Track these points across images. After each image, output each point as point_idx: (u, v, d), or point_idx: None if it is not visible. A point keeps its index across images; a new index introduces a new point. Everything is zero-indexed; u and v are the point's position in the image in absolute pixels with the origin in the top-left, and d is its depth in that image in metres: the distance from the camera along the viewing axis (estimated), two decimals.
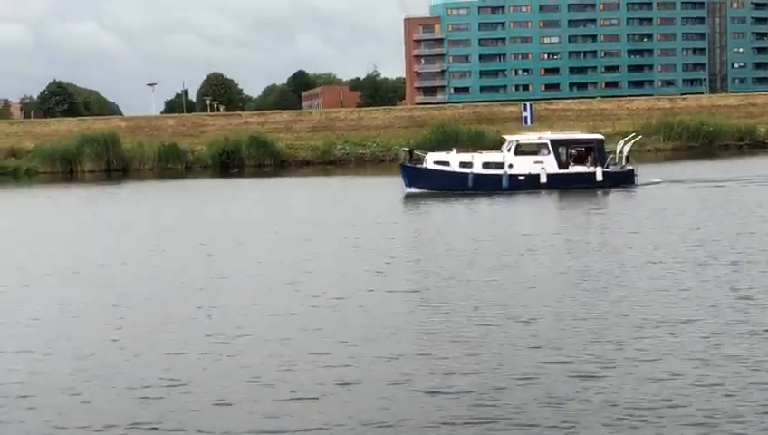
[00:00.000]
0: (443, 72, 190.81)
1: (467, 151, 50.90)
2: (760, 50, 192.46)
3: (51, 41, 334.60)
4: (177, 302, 20.54)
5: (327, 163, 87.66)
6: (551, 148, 48.37)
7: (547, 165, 47.86)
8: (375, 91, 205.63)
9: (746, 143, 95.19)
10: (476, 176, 47.79)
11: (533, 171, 47.71)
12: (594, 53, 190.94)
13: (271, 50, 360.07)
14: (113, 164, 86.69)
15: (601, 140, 50.23)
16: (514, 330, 16.72)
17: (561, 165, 48.23)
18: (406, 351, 15.56)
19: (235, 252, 28.91)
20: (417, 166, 49.55)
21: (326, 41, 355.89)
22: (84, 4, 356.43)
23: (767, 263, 23.03)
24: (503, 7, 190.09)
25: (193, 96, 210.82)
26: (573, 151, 49.49)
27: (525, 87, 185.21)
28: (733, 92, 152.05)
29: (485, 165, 48.31)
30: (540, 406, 12.67)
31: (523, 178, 47.61)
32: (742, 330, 16.24)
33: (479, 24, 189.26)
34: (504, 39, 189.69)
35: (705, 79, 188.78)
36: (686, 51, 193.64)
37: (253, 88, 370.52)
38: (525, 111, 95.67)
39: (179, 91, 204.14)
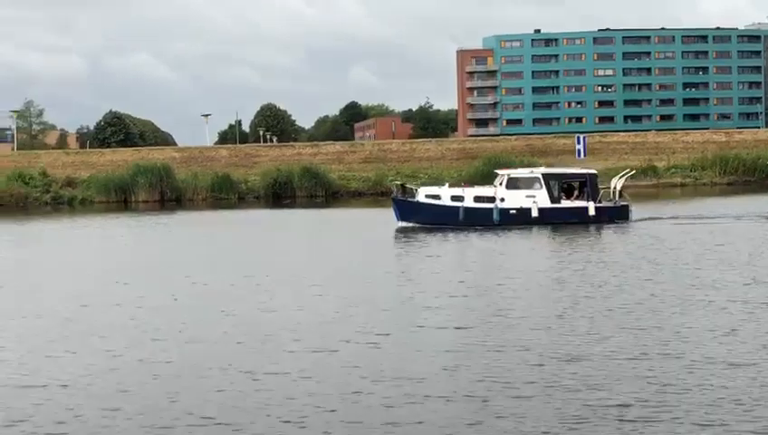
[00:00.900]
0: (495, 104, 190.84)
1: (459, 186, 50.88)
2: None
3: (107, 72, 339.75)
4: (221, 329, 20.35)
5: (379, 194, 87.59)
6: (543, 182, 48.04)
7: (539, 199, 47.49)
8: (427, 123, 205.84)
9: None
10: (467, 209, 47.45)
11: (525, 205, 47.32)
12: (649, 85, 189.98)
13: (324, 81, 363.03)
14: (167, 194, 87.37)
15: (594, 175, 49.83)
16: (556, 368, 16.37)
17: (554, 199, 47.86)
18: (455, 391, 15.23)
19: (282, 284, 28.74)
20: (409, 199, 49.33)
21: (379, 73, 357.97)
22: (140, 36, 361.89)
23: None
24: (556, 40, 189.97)
25: (246, 127, 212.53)
26: (564, 185, 49.27)
27: (579, 119, 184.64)
28: None
29: (477, 199, 48.02)
30: None
31: (514, 211, 47.28)
32: None
33: (532, 56, 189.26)
34: (557, 71, 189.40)
35: (761, 113, 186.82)
36: (742, 84, 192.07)
37: (305, 119, 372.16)
38: (579, 143, 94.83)
39: (233, 122, 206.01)
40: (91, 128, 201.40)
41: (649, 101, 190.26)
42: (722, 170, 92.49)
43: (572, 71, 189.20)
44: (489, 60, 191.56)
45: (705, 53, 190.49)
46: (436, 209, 47.86)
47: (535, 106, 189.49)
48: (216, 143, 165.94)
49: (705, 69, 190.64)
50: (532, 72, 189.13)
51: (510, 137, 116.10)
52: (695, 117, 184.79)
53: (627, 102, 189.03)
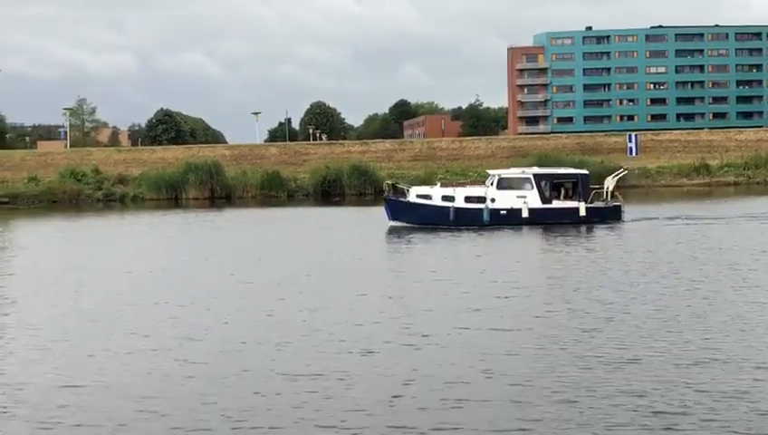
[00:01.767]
0: (546, 101, 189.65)
1: (451, 185, 50.57)
2: None
3: (159, 70, 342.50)
4: (260, 326, 20.27)
5: None
6: (534, 182, 47.75)
7: (530, 200, 47.23)
8: (477, 121, 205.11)
9: None
10: (458, 210, 47.36)
11: (515, 206, 47.12)
12: (702, 83, 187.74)
13: (373, 79, 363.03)
14: (217, 192, 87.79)
15: (586, 176, 49.49)
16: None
17: (545, 200, 47.55)
18: (496, 394, 14.99)
19: (324, 283, 28.66)
20: (401, 199, 49.31)
21: (428, 70, 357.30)
22: (191, 34, 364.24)
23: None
24: (608, 37, 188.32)
25: (296, 125, 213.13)
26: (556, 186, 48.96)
27: (630, 117, 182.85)
28: None
29: (467, 199, 47.85)
30: None
31: (504, 212, 47.12)
32: None
33: (583, 53, 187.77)
34: (609, 69, 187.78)
35: None
36: None
37: (355, 117, 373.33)
38: (630, 141, 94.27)
39: (283, 120, 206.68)
40: (143, 125, 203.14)
41: (702, 98, 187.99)
42: None
43: (624, 68, 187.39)
44: (540, 57, 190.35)
45: (759, 50, 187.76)
46: (427, 209, 47.90)
47: (586, 104, 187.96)
48: (265, 141, 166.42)
49: (758, 66, 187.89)
50: (584, 69, 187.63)
51: (560, 135, 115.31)
52: (748, 115, 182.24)
53: (679, 100, 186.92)
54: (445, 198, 47.83)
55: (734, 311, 21.35)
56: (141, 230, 55.03)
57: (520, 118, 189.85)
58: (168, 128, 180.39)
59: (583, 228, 45.15)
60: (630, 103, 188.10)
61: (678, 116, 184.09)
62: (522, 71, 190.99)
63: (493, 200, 47.20)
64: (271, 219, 50.36)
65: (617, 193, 49.42)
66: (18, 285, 29.22)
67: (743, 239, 37.88)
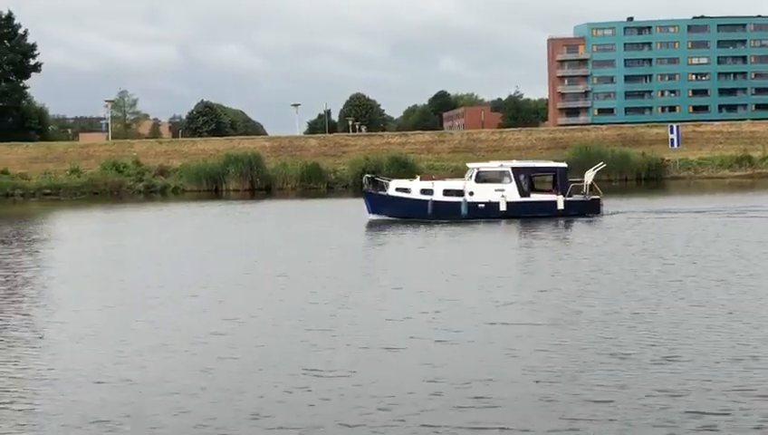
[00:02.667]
0: (587, 93, 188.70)
1: (430, 178, 50.32)
2: None
3: (199, 62, 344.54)
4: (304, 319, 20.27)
5: None
6: (512, 175, 47.50)
7: (508, 193, 47.00)
8: (517, 112, 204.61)
9: None
10: (436, 203, 47.20)
11: (493, 199, 46.90)
12: (744, 74, 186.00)
13: (413, 71, 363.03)
14: (257, 183, 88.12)
15: (564, 169, 49.11)
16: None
17: (523, 193, 47.35)
18: (529, 393, 14.85)
19: (358, 277, 28.63)
20: (380, 193, 49.11)
21: (468, 62, 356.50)
22: (231, 26, 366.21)
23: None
24: (649, 27, 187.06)
25: (335, 117, 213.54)
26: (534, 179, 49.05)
27: (672, 108, 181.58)
28: None
29: (446, 192, 47.66)
30: None
31: (482, 205, 46.93)
32: None
33: (625, 44, 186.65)
34: (650, 60, 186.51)
35: None
36: None
37: (394, 109, 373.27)
38: (672, 133, 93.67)
39: (322, 112, 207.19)
40: (184, 117, 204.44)
41: (745, 89, 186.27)
42: None
43: (666, 59, 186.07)
44: (580, 48, 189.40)
45: None
46: (406, 203, 47.73)
47: (627, 95, 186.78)
48: (305, 133, 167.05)
49: None
50: (625, 60, 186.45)
51: (601, 126, 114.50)
52: None
53: (721, 91, 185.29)
54: (423, 191, 47.76)
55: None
56: (178, 221, 55.22)
57: (560, 109, 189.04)
58: (209, 120, 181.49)
59: (561, 222, 44.99)
60: (672, 94, 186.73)
61: (720, 107, 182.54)
62: (562, 62, 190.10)
63: (471, 193, 47.09)
64: (308, 210, 50.57)
65: (596, 186, 49.03)
66: (55, 277, 29.37)
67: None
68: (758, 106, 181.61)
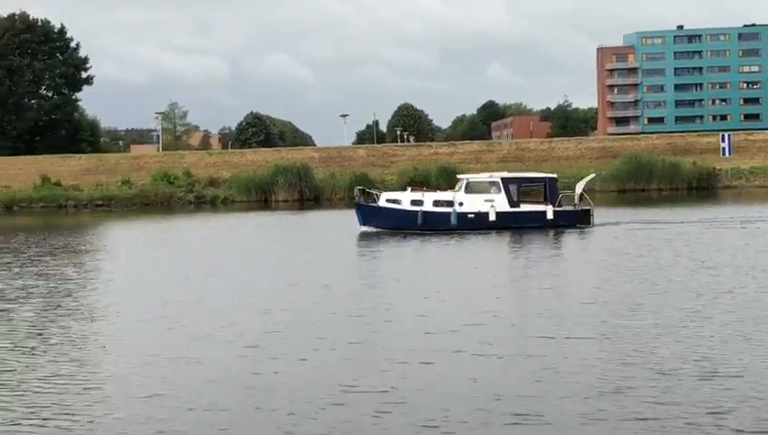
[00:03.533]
0: (636, 101, 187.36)
1: (420, 190, 50.42)
2: None
3: (248, 74, 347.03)
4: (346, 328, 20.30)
5: None
6: (501, 186, 47.54)
7: (497, 203, 46.94)
8: (566, 122, 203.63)
9: None
10: (426, 214, 47.17)
11: (483, 209, 46.85)
12: None
13: (460, 81, 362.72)
14: (306, 194, 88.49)
15: (554, 179, 49.17)
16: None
17: (513, 204, 47.31)
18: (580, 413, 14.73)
19: (398, 289, 28.60)
20: (371, 204, 49.24)
21: (516, 71, 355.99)
22: (279, 38, 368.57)
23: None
24: (699, 36, 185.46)
25: (384, 127, 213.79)
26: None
27: (723, 117, 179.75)
28: None
29: (436, 203, 47.72)
30: None
31: (472, 216, 46.87)
32: None
33: (675, 52, 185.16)
34: (700, 68, 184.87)
35: None
36: None
37: (442, 119, 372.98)
38: (723, 141, 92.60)
39: (370, 123, 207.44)
40: (233, 129, 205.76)
41: None
42: None
43: (716, 67, 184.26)
44: (630, 57, 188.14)
45: None
46: (396, 214, 47.82)
47: (678, 104, 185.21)
48: (353, 143, 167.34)
49: None
50: (675, 69, 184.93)
51: (651, 135, 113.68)
52: None
53: None
54: (414, 202, 47.89)
55: None
56: (225, 231, 55.61)
57: (610, 118, 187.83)
58: (258, 131, 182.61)
59: (551, 233, 44.84)
60: (723, 103, 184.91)
61: None
62: (611, 71, 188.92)
63: (461, 204, 47.13)
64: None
65: (586, 197, 49.00)
66: (100, 288, 29.59)
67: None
68: None
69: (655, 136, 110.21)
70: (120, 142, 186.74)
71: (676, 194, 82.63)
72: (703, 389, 14.83)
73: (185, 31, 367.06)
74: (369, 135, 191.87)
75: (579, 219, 47.37)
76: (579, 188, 48.66)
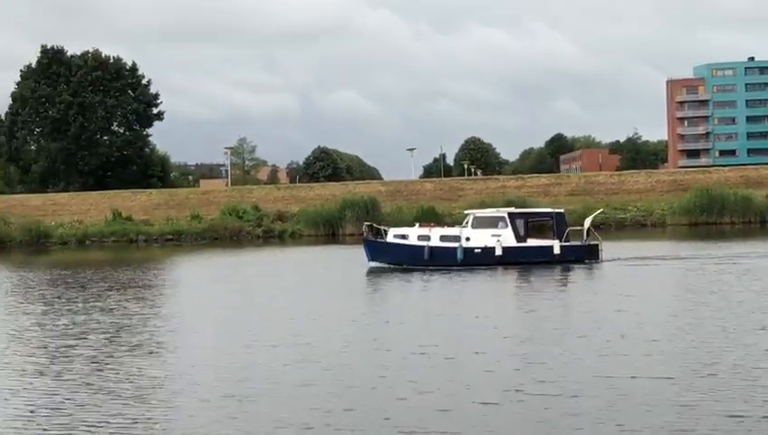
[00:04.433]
0: (707, 134, 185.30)
1: (428, 226, 50.29)
2: None
3: (315, 109, 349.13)
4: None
5: None
6: (508, 221, 47.11)
7: (504, 238, 46.41)
8: (636, 154, 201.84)
9: None
10: (432, 249, 46.79)
11: (489, 244, 46.33)
12: None
13: (528, 114, 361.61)
14: None
15: (561, 214, 48.62)
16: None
17: (519, 238, 46.80)
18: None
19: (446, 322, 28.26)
20: (379, 240, 49.08)
21: (584, 104, 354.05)
22: (345, 73, 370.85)
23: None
24: None
25: (451, 160, 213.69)
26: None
27: None
28: None
29: (443, 238, 47.38)
30: None
31: (478, 251, 46.41)
32: None
33: (746, 84, 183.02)
34: None
35: None
36: None
37: (510, 152, 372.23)
38: None
39: (437, 156, 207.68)
40: (301, 163, 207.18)
41: None
42: None
43: None
44: (700, 89, 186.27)
45: None
46: (404, 249, 47.59)
47: (750, 136, 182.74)
48: (420, 177, 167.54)
49: None
50: (746, 100, 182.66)
51: (723, 168, 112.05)
52: None
53: None
54: (420, 237, 47.68)
55: None
56: (293, 266, 55.76)
57: (680, 151, 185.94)
58: (325, 165, 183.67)
59: (557, 268, 44.24)
60: None
61: None
62: (681, 103, 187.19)
63: (468, 239, 46.79)
64: None
65: (593, 232, 48.41)
66: (166, 323, 29.73)
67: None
68: None
69: (727, 169, 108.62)
70: (190, 177, 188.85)
71: (749, 227, 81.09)
72: None
73: (254, 67, 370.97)
74: (437, 169, 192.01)
75: (587, 254, 46.92)
76: (587, 223, 48.33)
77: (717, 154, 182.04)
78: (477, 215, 49.22)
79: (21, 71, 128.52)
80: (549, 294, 34.63)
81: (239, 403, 17.13)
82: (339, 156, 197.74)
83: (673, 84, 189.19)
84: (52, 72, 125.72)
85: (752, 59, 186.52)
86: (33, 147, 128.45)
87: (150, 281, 45.71)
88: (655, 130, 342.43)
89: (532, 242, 47.12)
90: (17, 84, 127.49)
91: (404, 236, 48.44)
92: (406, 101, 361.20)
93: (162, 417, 16.44)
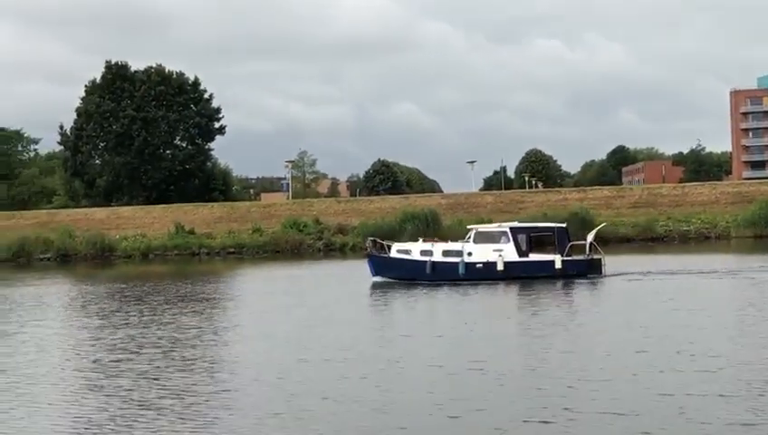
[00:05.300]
0: None
1: (432, 241, 50.24)
2: None
3: (374, 122, 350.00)
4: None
5: (649, 240, 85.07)
6: (510, 236, 46.94)
7: (506, 253, 46.31)
8: (699, 166, 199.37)
9: None
10: (435, 264, 46.98)
11: (491, 259, 46.28)
12: None
13: (589, 125, 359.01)
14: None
15: (563, 229, 48.28)
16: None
17: (521, 253, 46.65)
18: None
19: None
20: (382, 255, 49.27)
21: (646, 115, 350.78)
22: (403, 86, 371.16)
23: None
24: None
25: (511, 173, 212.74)
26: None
27: None
28: None
29: (445, 253, 47.42)
30: None
31: (480, 265, 46.36)
32: None
33: None
34: None
35: None
36: None
37: (571, 164, 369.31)
38: None
39: (498, 169, 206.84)
40: (361, 176, 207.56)
41: None
42: None
43: None
44: (765, 100, 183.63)
45: None
46: (407, 264, 47.86)
47: None
48: (481, 189, 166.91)
49: None
50: None
51: None
52: None
53: None
54: (423, 252, 47.86)
55: None
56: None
57: (745, 162, 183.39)
58: (385, 178, 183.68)
59: (559, 283, 43.94)
60: None
61: None
62: (746, 114, 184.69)
63: (470, 254, 46.81)
64: None
65: (596, 246, 47.97)
66: (224, 336, 29.82)
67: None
68: None
69: None
70: (251, 191, 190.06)
71: None
72: None
73: (314, 80, 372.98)
74: (497, 181, 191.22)
75: (589, 269, 46.82)
76: (590, 237, 48.19)
77: None
78: (479, 230, 49.56)
79: (86, 86, 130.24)
80: (554, 309, 34.51)
81: (290, 421, 17.07)
82: (399, 169, 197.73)
83: (737, 95, 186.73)
84: (117, 88, 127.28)
85: None
86: (97, 161, 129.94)
87: (209, 294, 45.92)
88: (718, 142, 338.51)
89: (533, 257, 47.30)
90: (82, 100, 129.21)
91: (407, 252, 48.82)
92: (464, 113, 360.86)
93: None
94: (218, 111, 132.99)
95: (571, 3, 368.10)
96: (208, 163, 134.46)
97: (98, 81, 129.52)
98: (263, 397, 19.36)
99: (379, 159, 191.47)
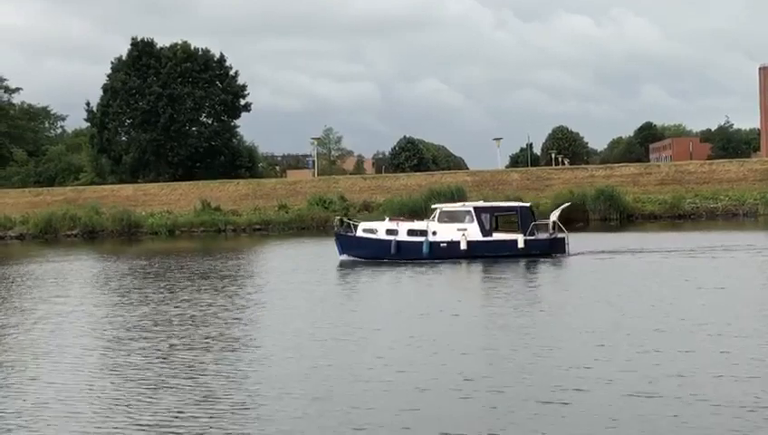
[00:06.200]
0: None
1: (398, 219, 50.80)
2: None
3: (399, 99, 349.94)
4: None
5: (676, 217, 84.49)
6: (474, 215, 47.38)
7: (470, 232, 46.77)
8: (727, 143, 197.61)
9: None
10: (399, 243, 47.51)
11: (455, 238, 46.82)
12: None
13: (616, 102, 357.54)
14: None
15: (526, 208, 48.94)
16: None
17: (485, 233, 47.13)
18: None
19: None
20: (348, 234, 49.97)
21: (673, 92, 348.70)
22: (429, 63, 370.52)
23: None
24: None
25: (538, 150, 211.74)
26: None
27: None
28: None
29: (410, 232, 47.92)
30: None
31: (444, 245, 46.91)
32: None
33: None
34: None
35: None
36: None
37: (598, 141, 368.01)
38: None
39: (524, 146, 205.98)
40: (386, 153, 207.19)
41: None
42: None
43: None
44: None
45: None
46: (372, 243, 48.45)
47: None
48: (507, 166, 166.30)
49: None
50: None
51: None
52: None
53: None
54: (389, 231, 48.40)
55: None
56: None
57: None
58: (411, 155, 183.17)
59: (522, 262, 44.22)
60: None
61: None
62: None
63: (434, 233, 47.36)
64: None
65: (559, 225, 48.23)
66: (242, 316, 29.81)
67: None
68: None
69: None
70: (277, 168, 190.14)
71: None
72: None
73: (339, 57, 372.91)
74: (523, 158, 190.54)
75: (552, 248, 47.21)
76: (553, 216, 48.79)
77: None
78: (444, 209, 49.83)
79: (111, 63, 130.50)
80: (515, 288, 34.58)
81: (312, 402, 16.94)
82: (424, 146, 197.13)
83: (766, 72, 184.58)
84: (142, 65, 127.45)
85: None
86: (123, 138, 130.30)
87: (233, 271, 45.98)
88: (747, 119, 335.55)
89: (497, 236, 47.70)
90: (108, 77, 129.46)
91: (373, 231, 49.25)
92: (490, 90, 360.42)
93: (229, 416, 16.40)
94: (244, 87, 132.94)
95: None
96: (234, 140, 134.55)
97: (124, 58, 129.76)
98: (283, 377, 19.31)
99: (404, 137, 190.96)
